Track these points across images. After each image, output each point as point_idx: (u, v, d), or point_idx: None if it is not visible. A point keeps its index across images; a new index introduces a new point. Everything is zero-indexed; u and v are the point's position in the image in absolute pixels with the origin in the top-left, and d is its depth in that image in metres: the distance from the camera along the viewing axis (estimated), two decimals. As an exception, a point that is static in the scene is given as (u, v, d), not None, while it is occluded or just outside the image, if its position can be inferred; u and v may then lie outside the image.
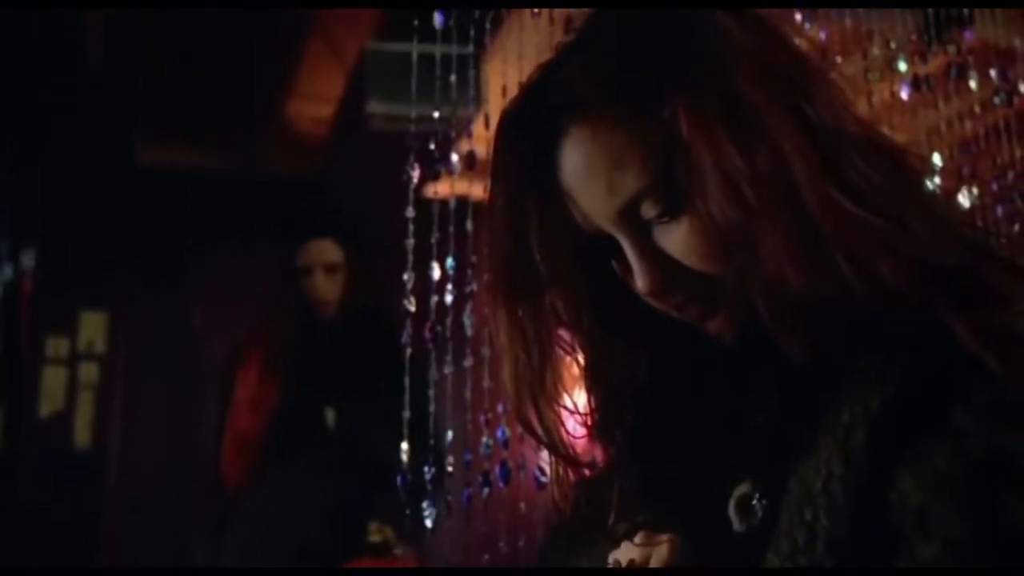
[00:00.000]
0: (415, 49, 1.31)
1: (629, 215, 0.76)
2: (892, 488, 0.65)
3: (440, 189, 1.32)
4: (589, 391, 0.89)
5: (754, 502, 0.77)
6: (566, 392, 0.85)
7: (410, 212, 1.22)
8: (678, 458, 0.85)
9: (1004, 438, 0.63)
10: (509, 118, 0.83)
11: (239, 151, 4.49)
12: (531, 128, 0.81)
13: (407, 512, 1.15)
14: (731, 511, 0.79)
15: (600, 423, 0.89)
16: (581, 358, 0.88)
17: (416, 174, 1.24)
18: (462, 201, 1.27)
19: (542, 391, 0.83)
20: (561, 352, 0.86)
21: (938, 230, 0.74)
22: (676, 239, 0.76)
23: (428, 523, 1.18)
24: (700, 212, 0.73)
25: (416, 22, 1.31)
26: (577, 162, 0.77)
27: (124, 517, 4.55)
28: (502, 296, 0.83)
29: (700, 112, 0.72)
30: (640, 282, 0.78)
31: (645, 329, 0.86)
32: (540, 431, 0.84)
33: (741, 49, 0.74)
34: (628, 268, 0.80)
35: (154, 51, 3.74)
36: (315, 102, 4.13)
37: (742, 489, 0.79)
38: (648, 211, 0.76)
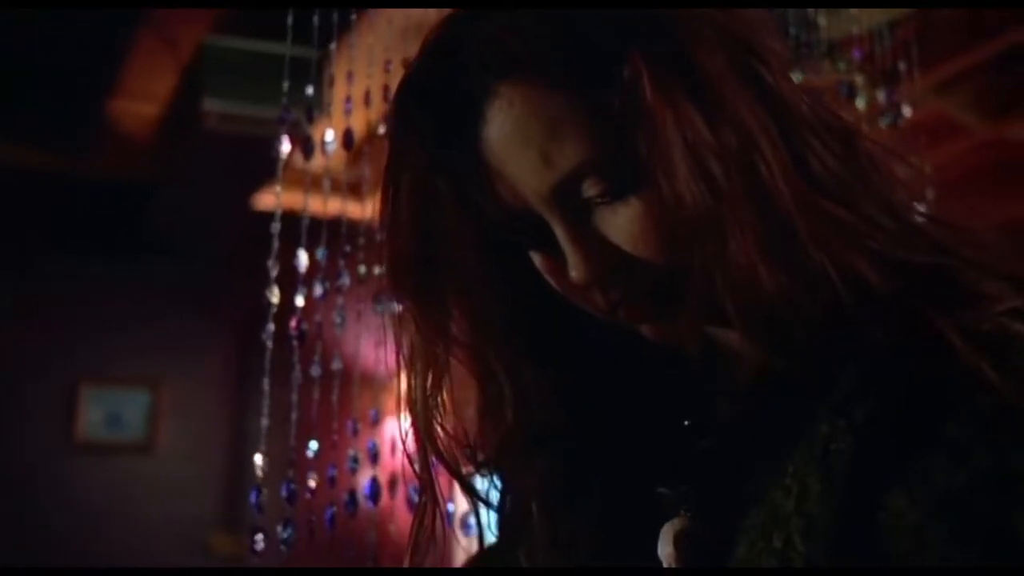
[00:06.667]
0: (285, 48, 1.18)
1: (565, 192, 0.66)
2: (881, 507, 0.57)
3: (309, 179, 1.18)
4: (483, 419, 0.77)
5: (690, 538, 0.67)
6: (455, 416, 0.74)
7: (277, 190, 1.07)
8: (601, 490, 0.75)
9: (1011, 452, 0.55)
10: (414, 79, 0.71)
11: (63, 150, 4.16)
12: (443, 90, 0.69)
13: (261, 534, 0.99)
14: (662, 550, 0.68)
15: (500, 456, 0.77)
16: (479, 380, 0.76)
17: (286, 149, 1.09)
18: (335, 184, 1.13)
19: (439, 409, 0.73)
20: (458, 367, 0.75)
21: (902, 224, 0.67)
22: (621, 222, 0.66)
23: (284, 548, 1.03)
24: (663, 190, 0.63)
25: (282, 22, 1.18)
26: (506, 128, 0.66)
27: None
28: (406, 297, 0.72)
29: (664, 77, 0.62)
30: (575, 272, 0.67)
31: (566, 343, 0.75)
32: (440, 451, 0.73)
33: (699, 14, 0.66)
34: (554, 263, 0.69)
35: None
36: (147, 100, 3.86)
37: (677, 525, 0.68)
38: (589, 189, 0.65)
